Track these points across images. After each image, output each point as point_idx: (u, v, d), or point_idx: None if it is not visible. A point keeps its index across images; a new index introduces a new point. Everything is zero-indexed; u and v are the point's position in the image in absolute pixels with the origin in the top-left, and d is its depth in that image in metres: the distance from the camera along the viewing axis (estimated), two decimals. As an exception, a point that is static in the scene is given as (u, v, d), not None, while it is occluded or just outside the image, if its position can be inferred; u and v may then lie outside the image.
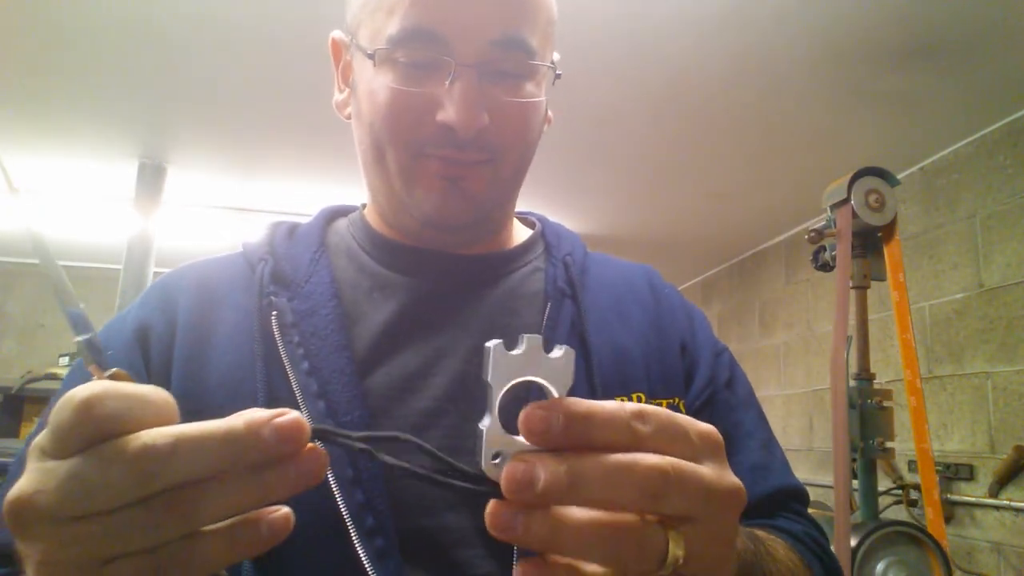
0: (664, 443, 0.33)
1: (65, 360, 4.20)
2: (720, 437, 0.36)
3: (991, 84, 2.26)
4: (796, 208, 3.44)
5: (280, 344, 0.57)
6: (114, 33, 2.17)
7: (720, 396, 0.67)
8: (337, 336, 0.59)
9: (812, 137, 2.69)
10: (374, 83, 0.61)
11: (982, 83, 2.26)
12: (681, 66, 2.25)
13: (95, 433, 0.30)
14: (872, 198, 1.91)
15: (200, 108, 2.66)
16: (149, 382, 0.57)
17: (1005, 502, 2.36)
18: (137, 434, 0.30)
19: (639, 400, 0.61)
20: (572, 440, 0.32)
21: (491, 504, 0.32)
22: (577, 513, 0.32)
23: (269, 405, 0.54)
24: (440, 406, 0.58)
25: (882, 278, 1.96)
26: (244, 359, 0.57)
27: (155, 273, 3.19)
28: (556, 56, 0.68)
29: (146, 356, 0.60)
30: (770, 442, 0.68)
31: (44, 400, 4.18)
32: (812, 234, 1.99)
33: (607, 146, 2.88)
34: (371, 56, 0.60)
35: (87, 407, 0.30)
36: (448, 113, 0.58)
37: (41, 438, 0.32)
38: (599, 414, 0.32)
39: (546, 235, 0.73)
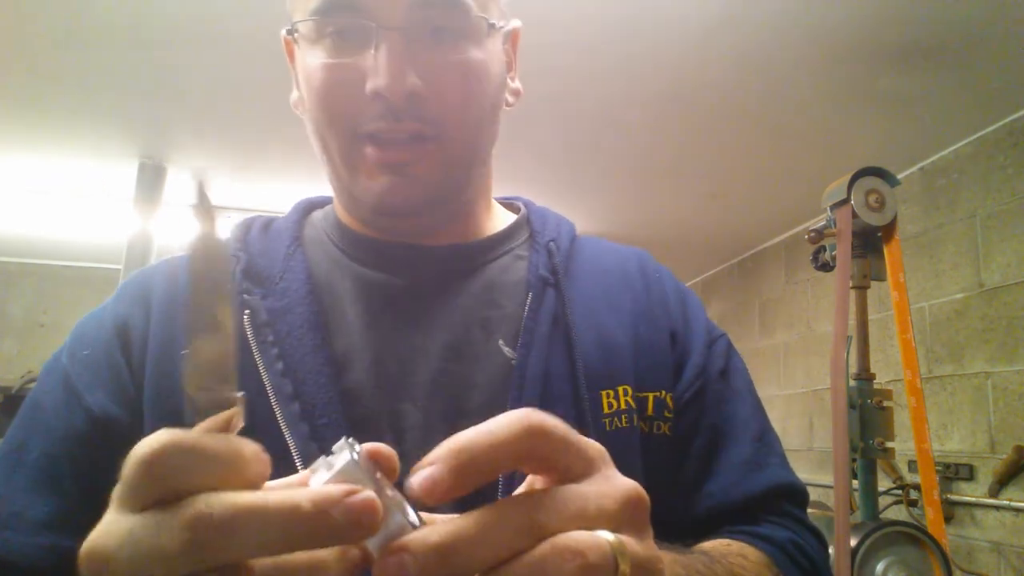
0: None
1: (65, 360, 4.20)
2: (599, 451, 0.33)
3: (991, 84, 2.26)
4: (796, 208, 3.43)
5: (253, 344, 0.54)
6: (114, 33, 2.17)
7: (711, 387, 0.63)
8: (313, 335, 0.56)
9: (812, 137, 2.69)
10: (308, 64, 0.59)
11: (982, 83, 2.26)
12: (681, 66, 2.25)
13: (158, 492, 0.27)
14: (872, 198, 1.90)
15: (200, 108, 2.66)
16: (130, 380, 0.56)
17: (1005, 502, 2.36)
18: (194, 500, 0.27)
19: (625, 393, 0.59)
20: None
21: None
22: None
23: (245, 402, 0.52)
24: (417, 407, 0.56)
25: (882, 278, 1.96)
26: None
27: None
28: (516, 22, 0.65)
29: (127, 353, 0.57)
30: (765, 435, 0.64)
31: (44, 400, 4.17)
32: (812, 234, 1.99)
33: (607, 146, 2.88)
34: (296, 32, 0.59)
35: (147, 465, 0.27)
36: (375, 80, 0.54)
37: (118, 486, 0.29)
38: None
39: (531, 220, 0.69)
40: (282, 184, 3.41)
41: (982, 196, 2.56)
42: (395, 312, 0.60)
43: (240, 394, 0.30)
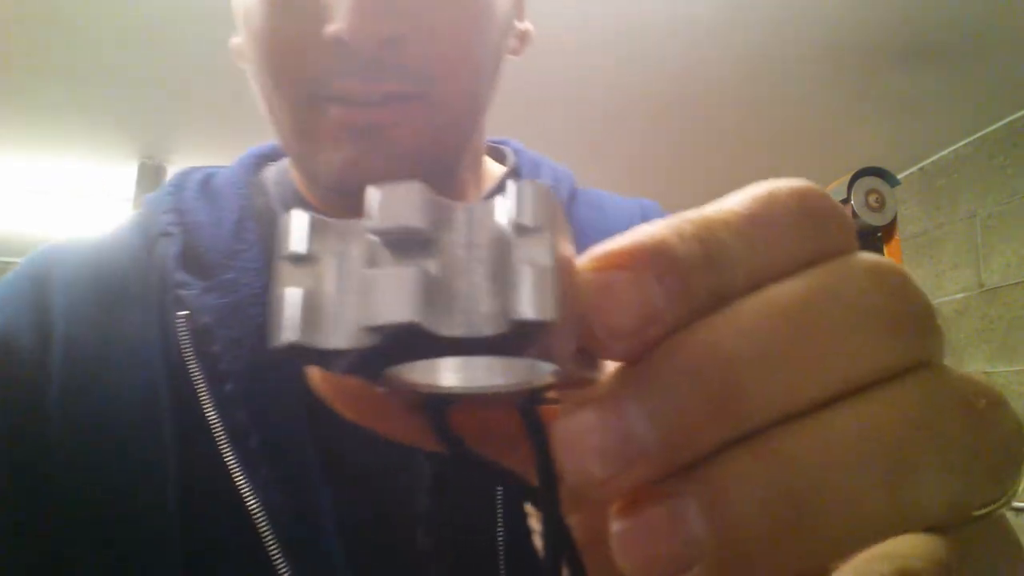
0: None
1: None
2: None
3: (991, 84, 2.26)
4: (796, 208, 3.43)
5: (192, 358, 0.39)
6: (114, 32, 2.17)
7: None
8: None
9: (812, 137, 2.69)
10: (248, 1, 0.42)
11: (982, 83, 2.26)
12: (681, 66, 2.25)
13: None
14: (872, 198, 1.91)
15: (200, 108, 2.66)
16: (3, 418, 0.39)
17: (1005, 502, 2.36)
18: None
19: None
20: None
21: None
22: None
23: (182, 448, 0.37)
24: None
25: (882, 278, 1.96)
26: (148, 382, 0.39)
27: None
28: None
29: (4, 378, 0.39)
30: None
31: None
32: (812, 234, 1.99)
33: (606, 146, 2.88)
34: None
35: None
36: (337, 21, 0.37)
37: None
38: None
39: (520, 173, 0.55)
40: (282, 184, 3.41)
41: (982, 196, 2.56)
42: None
43: None
